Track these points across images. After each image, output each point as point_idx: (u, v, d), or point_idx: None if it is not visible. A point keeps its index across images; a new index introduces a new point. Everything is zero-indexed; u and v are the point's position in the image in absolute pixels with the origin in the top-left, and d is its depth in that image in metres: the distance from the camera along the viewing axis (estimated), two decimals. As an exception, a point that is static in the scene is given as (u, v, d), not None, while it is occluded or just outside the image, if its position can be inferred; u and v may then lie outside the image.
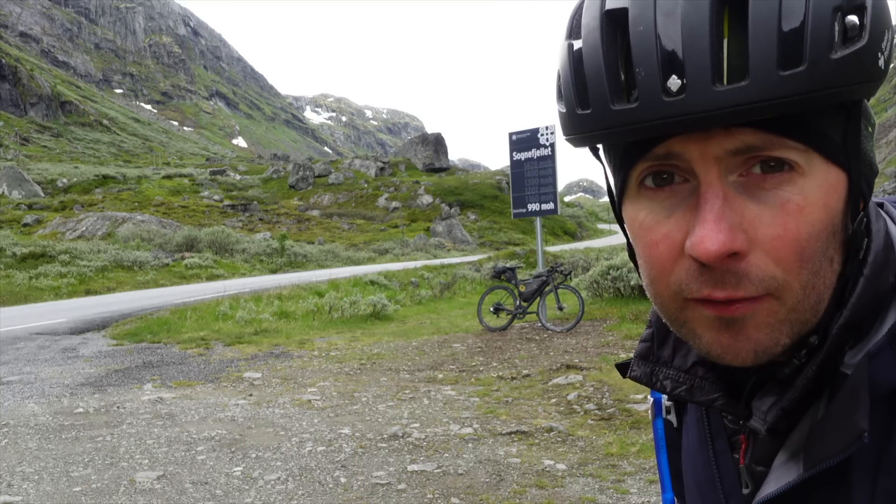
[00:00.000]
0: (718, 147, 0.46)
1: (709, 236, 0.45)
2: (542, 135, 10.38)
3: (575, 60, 0.50)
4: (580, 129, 0.51)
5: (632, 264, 0.59)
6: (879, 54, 0.45)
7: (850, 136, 0.47)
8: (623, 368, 0.68)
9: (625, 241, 0.58)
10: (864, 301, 0.49)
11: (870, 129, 0.50)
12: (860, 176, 0.48)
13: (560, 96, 0.53)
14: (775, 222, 0.46)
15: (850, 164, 0.48)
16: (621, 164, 0.52)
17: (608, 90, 0.47)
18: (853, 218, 0.49)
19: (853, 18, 0.44)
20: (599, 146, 0.56)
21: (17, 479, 3.97)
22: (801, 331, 0.49)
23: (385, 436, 4.68)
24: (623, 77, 0.47)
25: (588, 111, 0.49)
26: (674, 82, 0.44)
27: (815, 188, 0.46)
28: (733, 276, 0.47)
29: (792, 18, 0.43)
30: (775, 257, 0.46)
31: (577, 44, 0.50)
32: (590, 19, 0.49)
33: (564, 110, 0.53)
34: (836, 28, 0.44)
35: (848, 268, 0.49)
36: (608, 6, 0.48)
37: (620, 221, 0.57)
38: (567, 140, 0.54)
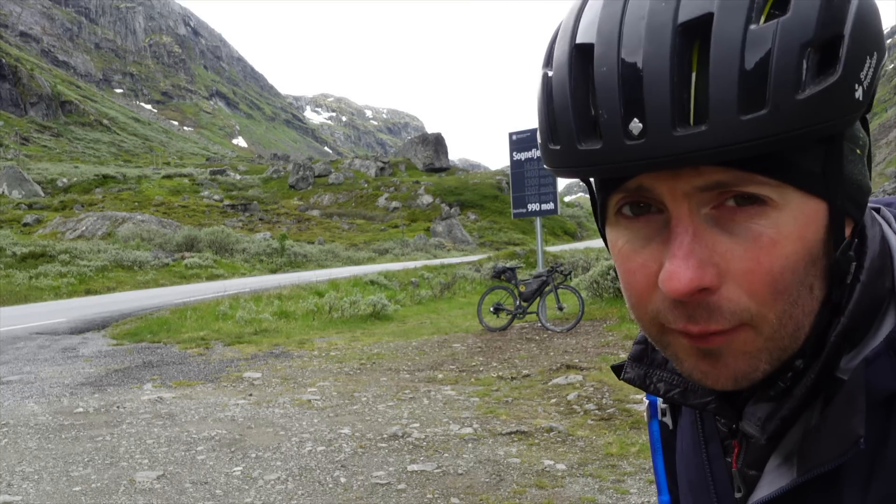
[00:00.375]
0: (687, 184, 0.46)
1: (676, 273, 0.45)
2: (543, 135, 10.37)
3: (547, 93, 0.50)
4: (553, 163, 0.51)
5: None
6: (857, 85, 0.44)
7: (830, 166, 0.46)
8: (619, 370, 0.67)
9: None
10: (862, 307, 0.49)
11: (857, 151, 0.49)
12: (844, 202, 0.47)
13: (539, 125, 0.53)
14: (747, 256, 0.45)
15: (830, 193, 0.46)
16: (599, 192, 0.53)
17: (574, 129, 0.47)
18: (837, 244, 0.47)
19: (826, 52, 0.43)
20: None
21: (16, 479, 3.97)
22: (782, 357, 0.49)
23: (385, 436, 4.68)
24: (593, 112, 0.47)
25: (557, 147, 0.49)
26: (635, 126, 0.44)
27: (791, 221, 0.45)
28: (705, 310, 0.46)
29: (754, 57, 0.41)
30: (748, 291, 0.46)
31: (550, 75, 0.50)
32: (560, 53, 0.49)
33: (540, 141, 0.53)
34: (805, 65, 0.41)
35: (833, 293, 0.48)
36: (578, 39, 0.48)
37: (605, 240, 0.57)
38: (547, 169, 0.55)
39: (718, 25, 0.42)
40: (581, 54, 0.47)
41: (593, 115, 0.47)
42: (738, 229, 0.46)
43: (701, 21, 0.43)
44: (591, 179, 0.55)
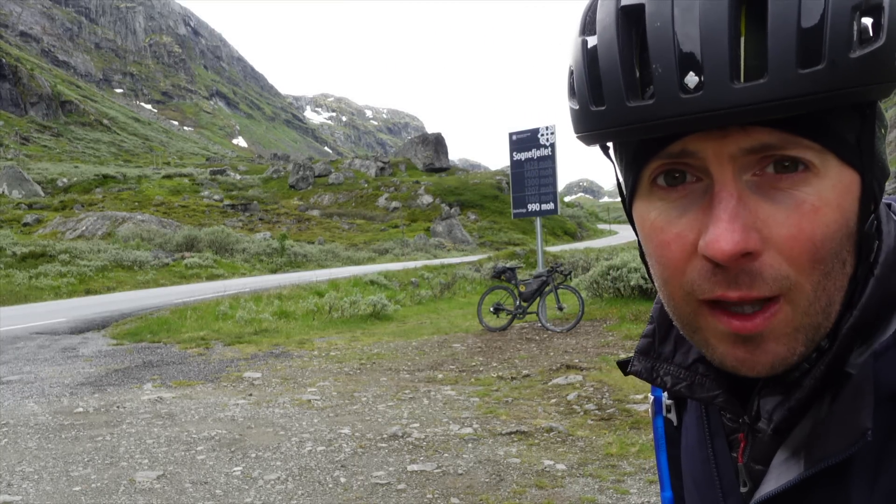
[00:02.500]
0: (734, 145, 0.46)
1: (723, 236, 0.45)
2: (543, 135, 10.38)
3: (589, 57, 0.50)
4: (594, 126, 0.50)
5: (637, 265, 0.58)
6: None
7: (864, 137, 0.47)
8: (624, 366, 0.68)
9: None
10: (874, 302, 0.49)
11: (882, 130, 0.50)
12: (873, 178, 0.48)
13: (572, 93, 0.53)
14: (789, 222, 0.46)
15: (863, 165, 0.47)
16: (633, 162, 0.52)
17: (624, 87, 0.47)
18: (865, 220, 0.49)
19: (871, 18, 0.44)
20: (609, 144, 0.55)
21: (16, 479, 3.97)
22: (815, 337, 0.48)
23: (385, 436, 4.68)
24: (638, 74, 0.47)
25: (602, 108, 0.49)
26: (691, 79, 0.44)
27: (830, 189, 0.46)
28: (747, 275, 0.46)
29: (811, 17, 0.43)
30: (788, 257, 0.46)
31: (592, 40, 0.50)
32: (605, 15, 0.49)
33: (577, 107, 0.52)
34: (855, 27, 0.43)
35: (859, 270, 0.49)
36: (624, 2, 0.48)
37: (631, 220, 0.56)
38: (578, 137, 0.54)
39: None
40: (628, 16, 0.47)
41: (639, 77, 0.47)
42: (780, 196, 0.46)
43: None
44: (619, 155, 0.54)
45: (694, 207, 0.48)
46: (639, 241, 0.58)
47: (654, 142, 0.49)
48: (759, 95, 0.42)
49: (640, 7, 0.47)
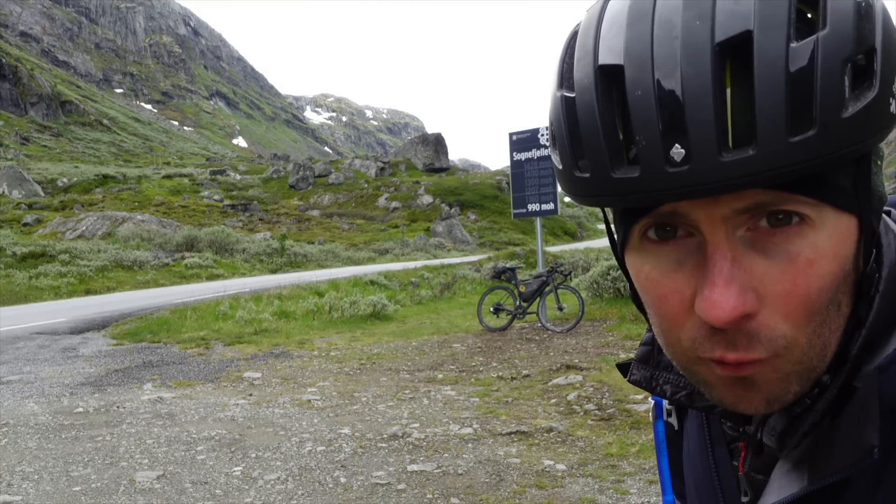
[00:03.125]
0: (727, 208, 0.44)
1: (719, 301, 0.44)
2: (542, 135, 10.38)
3: (569, 117, 0.47)
4: (579, 192, 0.49)
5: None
6: (891, 99, 0.43)
7: (860, 180, 0.46)
8: (624, 368, 0.67)
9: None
10: (881, 318, 0.49)
11: (878, 162, 0.48)
12: (871, 214, 0.47)
13: (555, 149, 0.51)
14: (784, 278, 0.44)
15: (861, 207, 0.46)
16: (622, 220, 0.51)
17: (607, 156, 0.45)
18: (866, 257, 0.47)
19: (863, 66, 0.42)
20: None
21: (16, 479, 3.97)
22: (811, 377, 0.48)
23: (385, 436, 4.68)
24: (621, 136, 0.45)
25: (587, 175, 0.47)
26: (677, 152, 0.42)
27: (826, 239, 0.45)
28: (744, 336, 0.45)
29: (799, 76, 0.40)
30: (784, 314, 0.45)
31: (571, 97, 0.47)
32: (583, 75, 0.47)
33: (561, 167, 0.50)
34: (847, 81, 0.41)
35: (860, 307, 0.48)
36: (602, 61, 0.45)
37: (623, 267, 0.55)
38: (567, 195, 0.52)
39: (760, 44, 0.40)
40: (607, 77, 0.45)
41: (623, 141, 0.45)
42: (775, 251, 0.45)
43: (739, 40, 0.41)
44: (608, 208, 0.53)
45: (689, 262, 0.47)
46: (630, 285, 0.57)
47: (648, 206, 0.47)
48: (748, 168, 0.41)
49: (619, 68, 0.44)
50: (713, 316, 0.44)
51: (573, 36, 0.50)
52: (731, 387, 0.48)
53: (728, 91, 0.41)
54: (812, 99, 0.40)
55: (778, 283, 0.45)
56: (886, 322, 0.49)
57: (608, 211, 0.54)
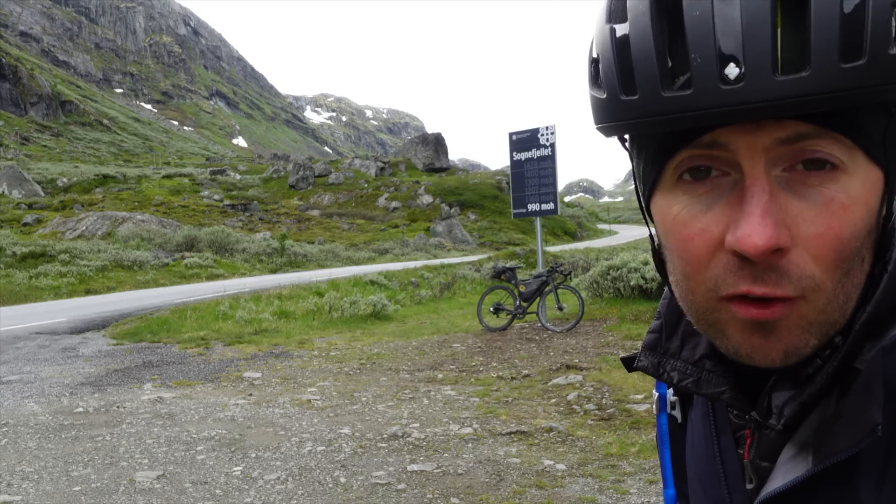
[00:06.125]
0: (768, 137, 0.45)
1: (756, 230, 0.45)
2: (543, 135, 10.38)
3: (619, 45, 0.48)
4: (623, 116, 0.49)
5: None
6: None
7: (889, 134, 0.47)
8: (628, 362, 0.68)
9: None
10: (888, 298, 0.49)
11: None
12: (895, 175, 0.48)
13: (597, 82, 0.51)
14: (818, 220, 0.46)
15: (889, 163, 0.47)
16: (657, 155, 0.51)
17: (659, 76, 0.46)
18: (888, 217, 0.49)
19: None
20: (626, 136, 0.54)
21: (16, 479, 3.97)
22: (830, 332, 0.48)
23: (385, 436, 4.68)
24: (670, 63, 0.46)
25: (634, 97, 0.47)
26: (731, 70, 0.43)
27: (859, 186, 0.46)
28: (774, 272, 0.46)
29: (853, 11, 0.42)
30: (815, 255, 0.46)
31: (621, 28, 0.49)
32: (637, 2, 0.48)
33: (604, 95, 0.50)
34: (893, 23, 0.43)
35: (876, 267, 0.49)
36: None
37: (648, 213, 0.55)
38: (601, 128, 0.52)
39: None
40: (662, 4, 0.47)
41: (673, 67, 0.46)
42: (810, 193, 0.46)
43: None
44: (638, 147, 0.53)
45: (720, 202, 0.48)
46: (651, 238, 0.57)
47: (683, 133, 0.48)
48: (801, 89, 0.42)
49: None
50: (749, 244, 0.45)
51: None
52: (750, 334, 0.49)
53: (778, 30, 0.43)
54: (864, 31, 0.42)
55: (812, 224, 0.46)
56: (891, 303, 0.49)
57: (638, 154, 0.54)
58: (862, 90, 0.42)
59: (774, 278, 0.46)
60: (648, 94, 0.46)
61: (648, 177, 0.52)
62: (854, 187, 0.46)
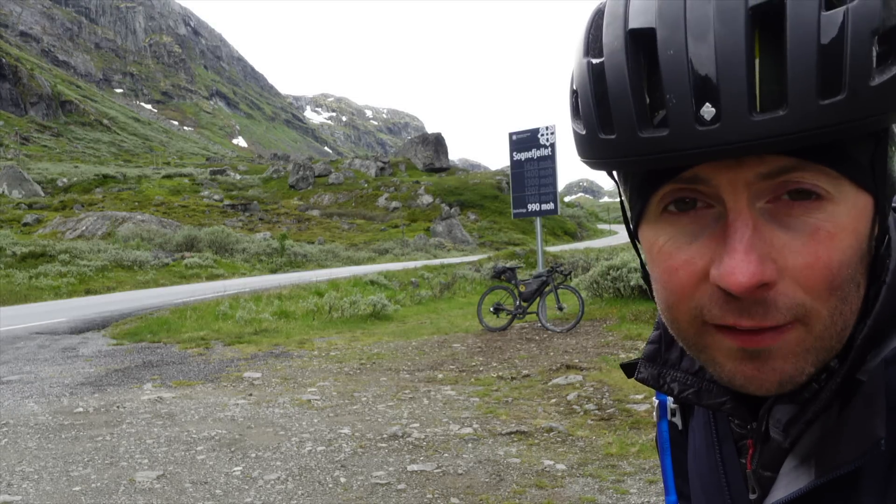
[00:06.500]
0: (750, 172, 0.44)
1: (739, 267, 0.44)
2: (543, 135, 10.38)
3: (596, 81, 0.48)
4: (602, 155, 0.48)
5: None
6: None
7: (878, 160, 0.46)
8: (628, 369, 0.67)
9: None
10: (887, 310, 0.49)
11: (893, 148, 0.49)
12: (886, 199, 0.47)
13: (577, 116, 0.51)
14: (805, 251, 0.45)
15: (877, 188, 0.46)
16: (641, 189, 0.50)
17: (635, 116, 0.45)
18: (880, 241, 0.48)
19: (888, 41, 0.43)
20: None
21: (16, 479, 3.97)
22: (825, 358, 0.48)
23: (385, 436, 4.68)
24: (648, 101, 0.45)
25: (612, 136, 0.47)
26: (707, 110, 0.42)
27: (846, 214, 0.45)
28: (761, 305, 0.45)
29: (831, 43, 0.41)
30: (805, 286, 0.45)
31: (598, 62, 0.48)
32: (612, 38, 0.47)
33: (584, 132, 0.50)
34: (874, 53, 0.42)
35: (871, 289, 0.49)
36: (632, 25, 0.46)
37: (635, 242, 0.55)
38: (585, 162, 0.52)
39: (793, 10, 0.42)
40: (637, 40, 0.46)
41: (650, 106, 0.45)
42: (795, 223, 0.45)
43: (772, 5, 0.42)
44: (624, 179, 0.53)
45: (705, 234, 0.47)
46: (641, 263, 0.57)
47: (665, 169, 0.47)
48: (779, 128, 0.41)
49: (651, 31, 0.45)
50: (732, 282, 0.44)
51: (600, 7, 0.51)
52: (742, 363, 0.48)
53: (756, 60, 0.42)
54: (842, 65, 0.41)
55: (799, 255, 0.45)
56: (892, 315, 0.49)
57: (624, 183, 0.54)
58: (843, 125, 0.41)
59: (761, 311, 0.45)
60: (625, 134, 0.46)
61: (635, 208, 0.52)
62: (841, 215, 0.45)
